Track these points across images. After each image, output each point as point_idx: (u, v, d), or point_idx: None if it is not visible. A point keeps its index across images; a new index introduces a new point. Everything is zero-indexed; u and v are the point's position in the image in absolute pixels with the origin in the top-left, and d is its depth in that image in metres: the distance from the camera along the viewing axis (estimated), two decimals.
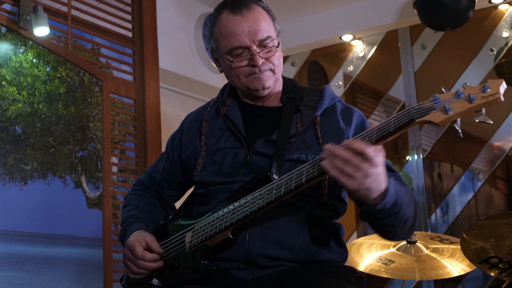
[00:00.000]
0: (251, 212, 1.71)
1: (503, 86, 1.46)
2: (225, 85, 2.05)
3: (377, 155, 1.54)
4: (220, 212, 1.79)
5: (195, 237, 1.82)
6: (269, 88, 1.90)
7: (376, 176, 1.54)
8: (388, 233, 1.75)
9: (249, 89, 1.90)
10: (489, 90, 1.46)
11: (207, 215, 1.84)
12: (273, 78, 1.89)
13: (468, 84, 1.52)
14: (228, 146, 1.89)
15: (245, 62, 1.86)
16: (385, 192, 1.59)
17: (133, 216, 2.00)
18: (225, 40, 1.87)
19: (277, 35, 1.90)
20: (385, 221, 1.66)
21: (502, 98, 1.45)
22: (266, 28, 1.86)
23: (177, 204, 2.17)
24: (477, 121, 1.49)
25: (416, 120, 1.52)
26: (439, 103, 1.51)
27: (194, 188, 2.01)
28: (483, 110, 1.48)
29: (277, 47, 1.89)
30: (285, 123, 1.85)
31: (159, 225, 2.01)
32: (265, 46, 1.86)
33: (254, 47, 1.84)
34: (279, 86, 1.96)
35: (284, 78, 1.99)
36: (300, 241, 1.78)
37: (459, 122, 1.51)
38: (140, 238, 1.88)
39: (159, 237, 1.92)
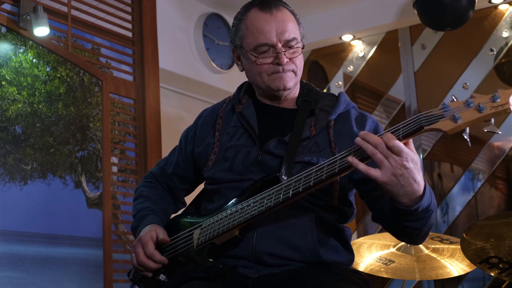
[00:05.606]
0: (258, 212, 1.72)
1: None
2: (242, 84, 2.05)
3: (410, 150, 1.55)
4: (229, 211, 1.80)
5: (202, 234, 1.83)
6: (289, 89, 1.90)
7: (407, 172, 1.54)
8: (411, 236, 1.74)
9: (269, 88, 1.90)
10: (498, 100, 1.46)
11: (215, 212, 1.85)
12: (294, 80, 1.90)
13: (478, 93, 1.51)
14: (240, 144, 1.90)
15: (270, 60, 1.87)
16: (422, 195, 1.59)
17: (147, 208, 2.01)
18: (251, 36, 1.88)
19: (301, 39, 1.91)
20: (413, 224, 1.65)
21: None
22: (293, 29, 1.88)
23: (188, 198, 2.17)
24: (485, 130, 1.48)
25: (425, 128, 1.52)
26: (449, 111, 1.50)
27: (204, 184, 2.01)
28: (492, 120, 1.48)
29: (302, 49, 1.90)
30: (298, 126, 1.86)
31: (169, 220, 2.02)
32: (290, 47, 1.87)
33: (280, 46, 1.85)
34: (296, 89, 1.96)
35: (301, 81, 2.00)
36: (307, 242, 1.78)
37: (467, 131, 1.50)
38: (153, 234, 1.89)
39: (168, 233, 1.93)
